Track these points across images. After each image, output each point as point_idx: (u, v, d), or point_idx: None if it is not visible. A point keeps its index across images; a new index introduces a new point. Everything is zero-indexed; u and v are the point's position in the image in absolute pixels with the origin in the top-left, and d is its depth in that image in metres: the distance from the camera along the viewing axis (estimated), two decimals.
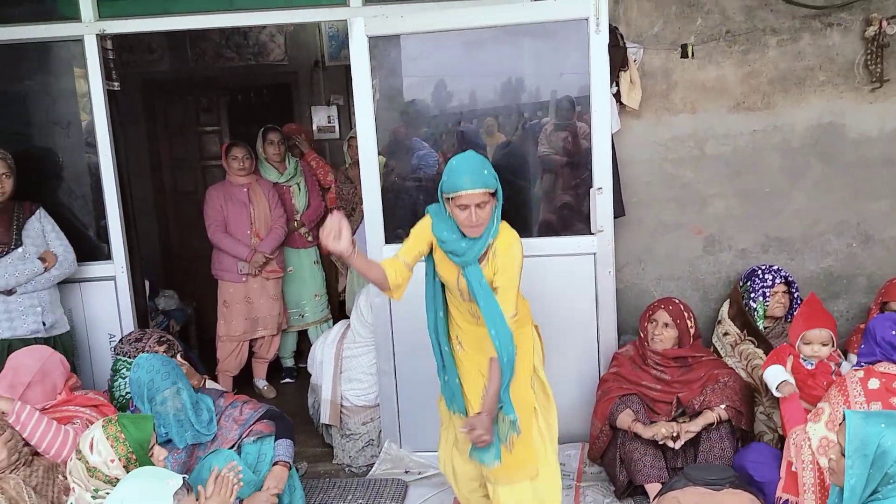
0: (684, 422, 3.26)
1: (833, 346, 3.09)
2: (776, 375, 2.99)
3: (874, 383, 2.69)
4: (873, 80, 3.70)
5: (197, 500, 2.26)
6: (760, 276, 3.65)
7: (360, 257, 2.62)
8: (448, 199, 2.60)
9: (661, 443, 3.19)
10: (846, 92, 3.76)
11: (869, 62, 3.68)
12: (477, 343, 2.78)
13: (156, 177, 6.26)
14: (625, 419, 3.26)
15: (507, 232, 2.70)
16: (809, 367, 3.01)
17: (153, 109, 6.30)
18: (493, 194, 2.60)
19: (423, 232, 2.76)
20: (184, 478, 2.01)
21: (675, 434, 3.17)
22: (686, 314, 3.45)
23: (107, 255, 3.97)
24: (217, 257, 4.66)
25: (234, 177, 4.64)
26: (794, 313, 3.62)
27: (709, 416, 3.20)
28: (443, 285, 2.84)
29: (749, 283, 3.68)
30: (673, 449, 3.22)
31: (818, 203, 3.87)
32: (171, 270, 6.14)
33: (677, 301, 3.51)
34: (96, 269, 3.99)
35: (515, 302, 2.65)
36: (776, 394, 2.96)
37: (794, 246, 3.90)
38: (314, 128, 6.22)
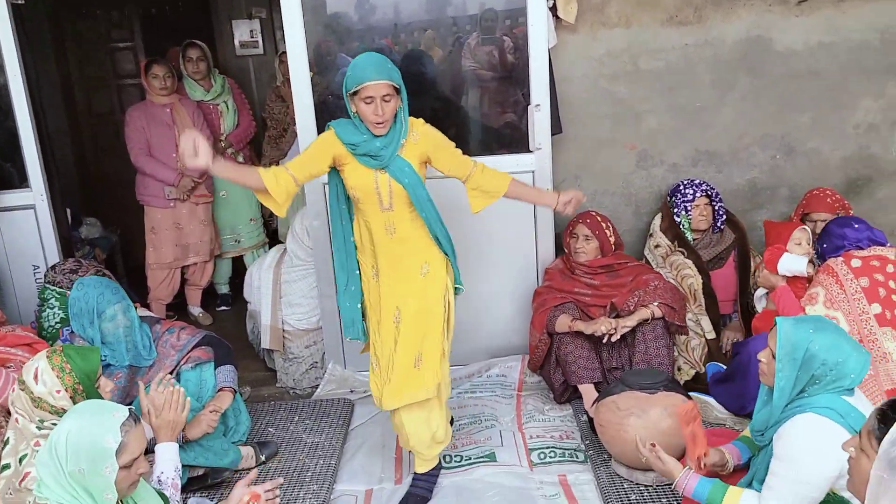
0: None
1: None
2: (799, 260, 3.15)
3: (856, 262, 2.91)
4: None
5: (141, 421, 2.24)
6: (682, 190, 3.74)
7: (227, 166, 2.65)
8: (353, 94, 2.56)
9: (602, 339, 3.28)
10: (774, 6, 3.81)
11: None
12: (395, 263, 2.76)
13: (67, 97, 5.88)
14: (563, 321, 3.37)
15: (413, 118, 2.72)
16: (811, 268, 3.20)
17: (60, 25, 5.87)
18: (398, 91, 2.59)
19: (322, 147, 2.68)
20: (130, 409, 1.98)
21: (613, 329, 3.26)
22: (604, 224, 3.55)
23: (24, 183, 3.76)
24: (142, 182, 4.48)
25: (156, 96, 4.42)
26: (724, 222, 3.76)
27: (644, 313, 3.32)
28: (348, 209, 2.82)
29: (673, 199, 3.78)
30: (608, 350, 3.35)
31: (745, 117, 3.96)
32: (91, 197, 5.86)
33: (594, 213, 3.60)
34: (13, 197, 3.78)
35: (466, 158, 2.77)
36: (806, 273, 3.12)
37: (723, 159, 4.02)
38: (236, 43, 5.94)
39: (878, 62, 3.90)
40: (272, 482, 2.19)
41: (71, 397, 2.20)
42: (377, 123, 2.56)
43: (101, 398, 2.28)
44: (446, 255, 2.82)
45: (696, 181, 3.76)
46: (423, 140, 2.69)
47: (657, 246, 3.79)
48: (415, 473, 2.94)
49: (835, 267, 2.93)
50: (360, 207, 2.75)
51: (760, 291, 3.37)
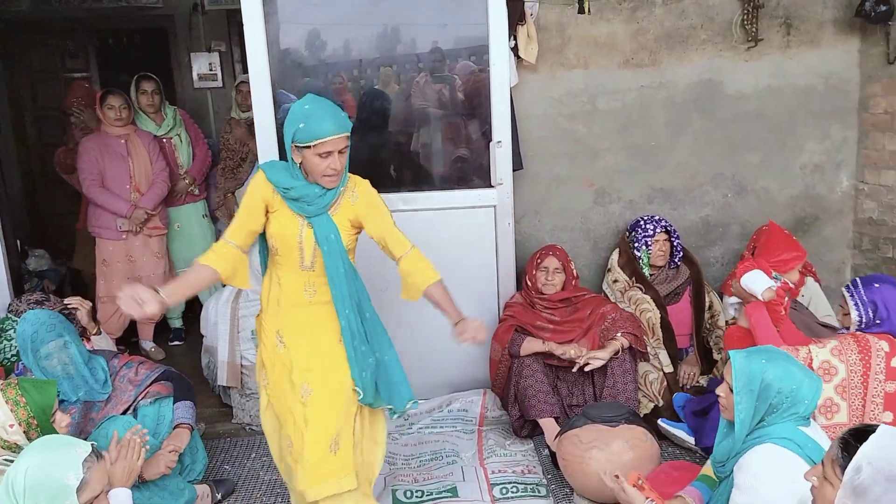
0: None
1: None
2: (762, 280, 2.95)
3: None
4: (749, 39, 3.93)
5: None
6: (643, 226, 3.83)
7: (177, 289, 2.37)
8: (305, 147, 2.35)
9: (572, 367, 3.32)
10: (725, 50, 3.98)
11: (745, 22, 3.91)
12: (309, 327, 2.53)
13: (18, 127, 5.77)
14: (533, 344, 3.39)
15: (359, 178, 2.54)
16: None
17: (12, 53, 5.77)
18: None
19: (253, 195, 2.44)
20: (92, 444, 1.92)
21: (583, 358, 3.28)
22: (568, 258, 3.62)
23: None
24: (94, 213, 4.40)
25: (111, 128, 4.36)
26: (680, 259, 3.84)
27: (614, 345, 3.35)
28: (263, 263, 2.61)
29: (633, 234, 3.86)
30: (568, 386, 3.36)
31: (697, 156, 4.10)
32: (40, 229, 5.73)
33: (559, 247, 3.67)
34: None
35: (402, 235, 2.49)
36: (760, 297, 2.94)
37: (677, 197, 4.13)
38: (194, 75, 5.91)
39: (822, 106, 4.08)
40: None
41: (25, 431, 2.13)
42: (331, 177, 2.38)
43: (57, 433, 2.21)
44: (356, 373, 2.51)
45: (656, 217, 3.85)
46: (360, 202, 2.48)
47: (615, 281, 3.85)
48: None
49: (873, 358, 2.63)
50: (278, 262, 2.50)
51: (732, 299, 3.22)
